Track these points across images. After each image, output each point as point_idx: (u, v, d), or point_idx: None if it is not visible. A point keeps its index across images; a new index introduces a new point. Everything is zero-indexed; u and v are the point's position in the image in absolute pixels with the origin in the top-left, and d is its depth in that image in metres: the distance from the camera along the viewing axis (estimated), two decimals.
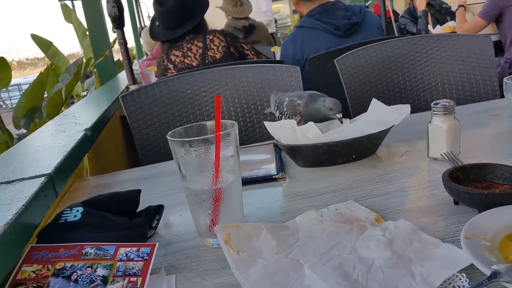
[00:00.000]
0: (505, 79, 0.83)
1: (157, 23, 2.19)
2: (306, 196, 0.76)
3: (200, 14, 2.09)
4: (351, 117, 1.44)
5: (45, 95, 4.30)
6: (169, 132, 0.60)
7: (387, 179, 0.77)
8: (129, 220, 0.64)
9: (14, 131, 3.34)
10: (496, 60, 2.82)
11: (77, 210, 0.61)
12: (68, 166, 0.84)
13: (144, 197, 0.85)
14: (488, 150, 0.84)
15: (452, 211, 0.62)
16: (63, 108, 3.81)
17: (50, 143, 0.97)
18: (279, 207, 0.73)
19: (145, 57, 4.47)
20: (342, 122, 0.96)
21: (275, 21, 13.03)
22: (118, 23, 2.23)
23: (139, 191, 0.69)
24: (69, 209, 0.62)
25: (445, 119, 0.78)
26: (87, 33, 3.88)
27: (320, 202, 0.72)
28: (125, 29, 2.28)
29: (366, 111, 0.93)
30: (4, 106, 14.32)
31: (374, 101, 0.91)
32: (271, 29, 5.16)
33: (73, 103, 5.78)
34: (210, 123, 0.63)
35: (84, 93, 6.29)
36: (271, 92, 1.18)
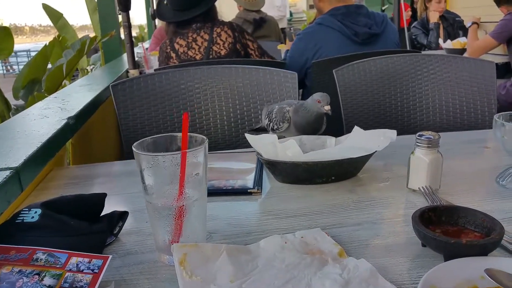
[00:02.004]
0: (495, 116, 0.81)
1: (165, 2, 2.14)
2: (276, 216, 0.74)
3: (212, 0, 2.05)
4: (344, 129, 1.43)
5: (50, 66, 4.28)
6: (135, 143, 0.58)
7: (361, 207, 0.75)
8: (89, 225, 0.63)
9: (13, 101, 3.33)
10: (503, 82, 2.79)
11: (36, 212, 0.60)
12: (41, 158, 0.82)
13: (118, 197, 0.84)
14: (469, 188, 0.82)
15: (418, 254, 0.61)
16: (66, 82, 3.80)
17: (29, 130, 0.96)
18: (247, 226, 0.71)
19: (148, 41, 4.44)
20: (330, 114, 0.94)
21: (291, 14, 12.97)
22: (124, 6, 2.20)
23: (104, 195, 0.67)
24: (27, 209, 0.61)
25: (428, 152, 0.76)
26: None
27: (288, 226, 0.70)
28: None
29: (351, 131, 0.91)
30: (11, 70, 14.31)
31: (356, 129, 0.89)
32: (283, 25, 5.11)
33: (78, 75, 5.78)
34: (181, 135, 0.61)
35: (90, 68, 6.28)
36: (264, 105, 1.16)
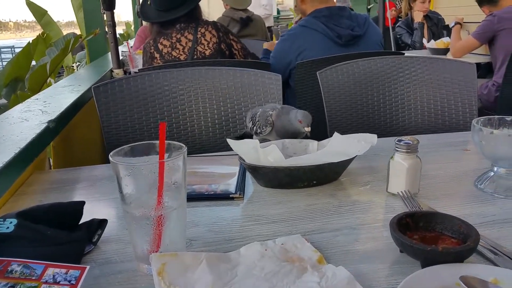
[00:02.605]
0: (473, 121, 0.82)
1: (148, 2, 2.13)
2: (258, 222, 0.74)
3: (195, 1, 2.03)
4: (327, 130, 1.43)
5: (34, 64, 4.22)
6: (113, 151, 0.57)
7: (341, 212, 0.76)
8: (67, 234, 0.62)
9: None
10: (484, 82, 2.83)
11: (11, 222, 0.59)
12: (19, 164, 0.81)
13: (99, 202, 0.83)
14: (448, 191, 0.83)
15: (396, 260, 0.61)
16: (51, 80, 3.74)
17: (7, 135, 0.94)
18: (228, 232, 0.71)
19: (133, 40, 4.39)
20: (309, 136, 0.95)
21: (278, 12, 12.94)
22: (108, 5, 2.18)
23: (82, 203, 0.67)
24: (2, 219, 0.60)
25: (406, 157, 0.77)
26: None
27: (269, 232, 0.70)
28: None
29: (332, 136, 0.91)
30: None
31: (336, 134, 0.89)
32: (269, 23, 5.10)
33: (64, 72, 5.70)
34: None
35: (76, 65, 6.20)
36: (248, 110, 1.16)
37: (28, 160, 0.89)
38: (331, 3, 2.01)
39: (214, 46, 1.99)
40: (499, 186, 0.81)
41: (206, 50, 1.99)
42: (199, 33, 1.99)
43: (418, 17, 3.61)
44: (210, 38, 1.99)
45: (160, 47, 1.99)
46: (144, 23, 4.80)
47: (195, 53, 1.98)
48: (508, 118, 0.85)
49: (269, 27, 5.08)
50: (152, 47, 1.99)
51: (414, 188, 0.79)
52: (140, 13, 2.19)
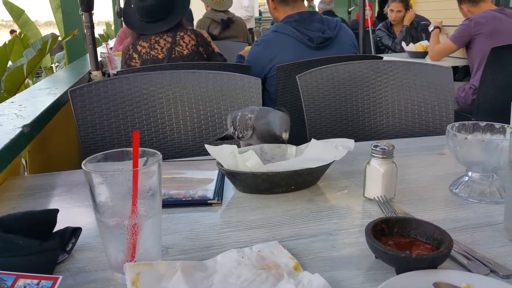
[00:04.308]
0: (448, 127, 0.83)
1: (131, 5, 2.12)
2: (236, 228, 0.74)
3: (180, 15, 2.05)
4: (307, 135, 1.44)
5: (10, 64, 4.13)
6: (85, 160, 0.56)
7: (319, 218, 0.76)
8: (40, 243, 0.61)
9: None
10: (462, 85, 2.88)
11: None
12: None
13: (75, 209, 0.82)
14: (423, 196, 0.84)
15: (372, 266, 0.62)
16: (29, 81, 3.67)
17: None
18: (206, 239, 0.71)
19: (113, 40, 4.33)
20: (286, 142, 0.95)
21: (260, 14, 12.90)
22: (86, 6, 2.15)
23: (56, 211, 0.66)
24: None
25: (382, 163, 0.78)
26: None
27: (247, 239, 0.70)
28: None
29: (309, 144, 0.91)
30: None
31: (313, 141, 0.89)
32: (250, 25, 5.11)
33: (41, 75, 5.60)
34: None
35: (55, 65, 6.09)
36: (228, 113, 1.16)
37: (1, 166, 0.87)
38: (302, 9, 2.06)
39: (192, 47, 2.02)
40: (473, 191, 0.82)
41: (184, 50, 2.01)
42: (178, 36, 2.02)
43: (407, 20, 3.71)
44: (189, 41, 2.03)
45: (139, 48, 2.00)
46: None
47: (173, 52, 1.98)
48: (482, 123, 0.87)
49: (250, 29, 5.09)
50: (131, 49, 2.00)
51: (390, 193, 0.80)
52: (123, 18, 2.18)
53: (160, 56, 1.98)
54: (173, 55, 1.98)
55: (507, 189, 0.69)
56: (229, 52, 2.71)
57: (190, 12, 4.12)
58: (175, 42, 1.99)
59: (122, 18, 2.51)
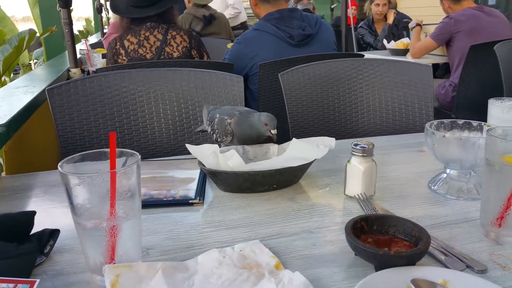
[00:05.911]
0: (427, 125, 0.84)
1: None
2: (217, 228, 0.74)
3: (170, 1, 1.99)
4: (289, 132, 1.44)
5: None
6: (62, 161, 0.56)
7: (300, 216, 0.77)
8: (16, 246, 0.59)
9: None
10: (442, 82, 2.93)
11: None
12: None
13: (53, 210, 0.80)
14: (403, 193, 0.85)
15: (352, 263, 0.63)
16: (6, 79, 3.59)
17: None
18: (187, 240, 0.70)
19: (93, 36, 4.27)
20: (275, 140, 0.94)
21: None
22: (64, 2, 2.11)
23: (33, 213, 0.64)
24: None
25: (362, 161, 0.79)
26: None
27: (228, 238, 0.70)
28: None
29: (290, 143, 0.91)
30: None
31: (294, 140, 0.90)
32: (241, 19, 5.09)
33: (19, 72, 5.48)
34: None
35: (33, 62, 5.96)
36: (204, 105, 1.15)
37: None
38: (282, 6, 2.05)
39: (183, 49, 1.95)
40: (451, 188, 0.84)
41: (174, 52, 1.95)
42: (169, 34, 1.94)
43: (390, 18, 3.75)
44: (180, 42, 1.96)
45: (127, 43, 1.92)
46: (112, 17, 4.64)
47: (162, 53, 1.93)
48: (460, 121, 0.89)
49: (243, 23, 5.06)
50: (118, 43, 1.92)
51: (370, 190, 0.81)
52: (111, 4, 2.12)
53: (148, 56, 1.92)
54: (162, 56, 1.93)
55: (484, 186, 0.70)
56: (212, 49, 2.69)
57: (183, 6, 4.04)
58: (165, 41, 1.93)
59: (109, 4, 2.43)
